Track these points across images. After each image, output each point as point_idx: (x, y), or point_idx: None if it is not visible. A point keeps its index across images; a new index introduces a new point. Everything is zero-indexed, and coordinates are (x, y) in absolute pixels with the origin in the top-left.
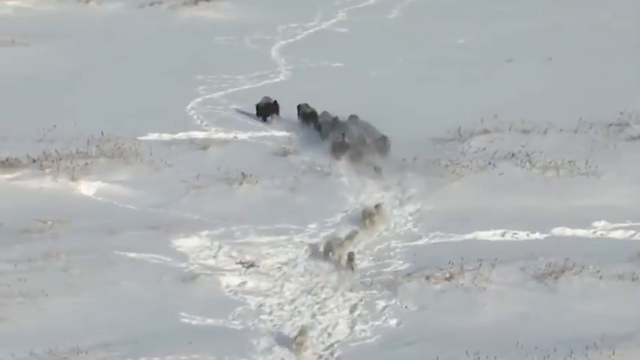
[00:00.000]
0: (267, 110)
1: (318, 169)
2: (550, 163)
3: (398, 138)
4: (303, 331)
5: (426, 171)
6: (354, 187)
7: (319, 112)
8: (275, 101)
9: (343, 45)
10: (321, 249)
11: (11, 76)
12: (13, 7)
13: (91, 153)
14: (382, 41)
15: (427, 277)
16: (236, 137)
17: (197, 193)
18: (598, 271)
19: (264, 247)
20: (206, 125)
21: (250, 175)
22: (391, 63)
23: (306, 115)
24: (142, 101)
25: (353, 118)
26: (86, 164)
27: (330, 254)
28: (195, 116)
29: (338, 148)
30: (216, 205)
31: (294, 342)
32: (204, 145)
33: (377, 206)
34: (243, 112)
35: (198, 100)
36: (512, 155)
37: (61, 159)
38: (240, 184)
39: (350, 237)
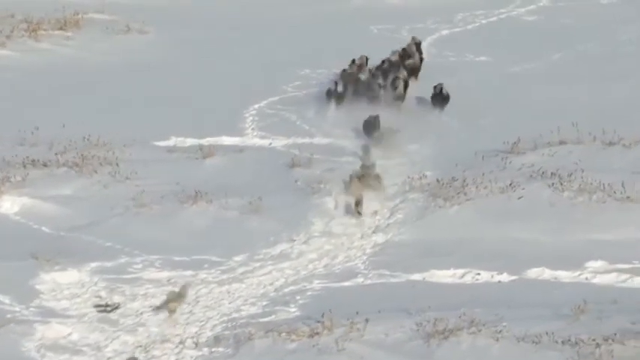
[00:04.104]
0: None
1: (314, 186)
2: (591, 184)
3: (459, 149)
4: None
5: (434, 192)
6: (336, 210)
7: None
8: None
9: (512, 35)
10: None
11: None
12: None
13: (53, 161)
14: (562, 31)
15: (289, 332)
16: (271, 144)
17: (136, 213)
18: (500, 332)
19: (150, 285)
20: (252, 129)
21: (206, 194)
22: (545, 58)
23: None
24: (207, 99)
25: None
26: (27, 175)
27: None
28: (250, 118)
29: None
30: (150, 228)
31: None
32: (209, 153)
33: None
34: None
35: (275, 98)
36: (553, 174)
37: None
38: (193, 203)
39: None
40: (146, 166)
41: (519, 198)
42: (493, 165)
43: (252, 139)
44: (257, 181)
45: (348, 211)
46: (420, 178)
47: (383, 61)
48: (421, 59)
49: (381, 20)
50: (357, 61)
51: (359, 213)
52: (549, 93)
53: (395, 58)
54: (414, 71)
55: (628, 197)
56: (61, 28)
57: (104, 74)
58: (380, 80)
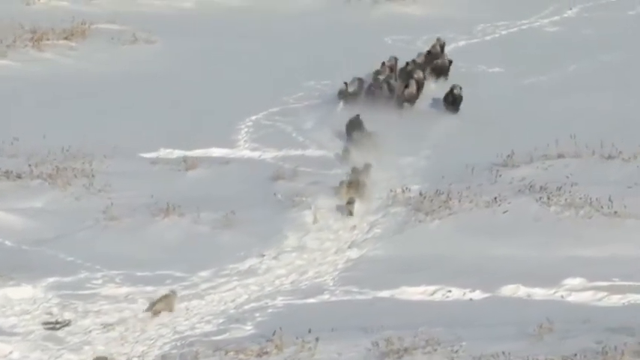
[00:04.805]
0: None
1: (294, 199)
2: (579, 199)
3: (454, 160)
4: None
5: (417, 206)
6: (315, 224)
7: None
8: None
9: (530, 46)
10: None
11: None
12: (195, 1)
13: (27, 173)
14: (583, 42)
15: (237, 352)
16: (261, 156)
17: (105, 227)
18: (456, 351)
19: (105, 302)
20: (245, 140)
21: (179, 207)
22: (561, 69)
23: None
24: (205, 110)
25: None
26: None
27: None
28: (245, 129)
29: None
30: (118, 242)
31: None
32: (192, 165)
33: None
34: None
35: (274, 109)
36: (542, 188)
37: None
38: (165, 217)
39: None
40: (123, 179)
41: (504, 212)
42: (484, 178)
43: (243, 150)
44: (236, 194)
45: (329, 220)
46: (404, 191)
47: (407, 63)
48: (450, 61)
49: (400, 31)
50: (387, 63)
51: (351, 213)
52: (559, 105)
53: (420, 59)
54: (442, 71)
55: (615, 212)
56: (65, 38)
57: (104, 84)
58: (393, 81)
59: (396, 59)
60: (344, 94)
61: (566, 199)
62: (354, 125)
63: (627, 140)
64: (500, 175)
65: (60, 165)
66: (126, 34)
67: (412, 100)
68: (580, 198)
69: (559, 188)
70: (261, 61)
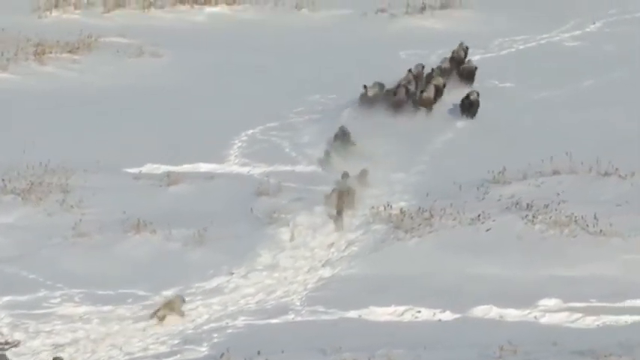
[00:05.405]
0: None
1: (273, 215)
2: (566, 217)
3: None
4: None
5: (397, 223)
6: (291, 241)
7: None
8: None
9: (546, 61)
10: None
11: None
12: (208, 14)
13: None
14: (601, 57)
15: None
16: (249, 172)
17: (74, 243)
18: None
19: (59, 322)
20: (236, 155)
21: (151, 223)
22: (575, 84)
23: None
24: (202, 124)
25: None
26: None
27: None
28: (238, 144)
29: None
30: (85, 259)
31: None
32: (174, 180)
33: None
34: None
35: (273, 124)
36: (529, 206)
37: None
38: (136, 233)
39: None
40: (101, 194)
41: (487, 230)
42: (472, 195)
43: (232, 166)
44: (215, 210)
45: (307, 237)
46: (385, 208)
47: (433, 69)
48: (475, 66)
49: (417, 45)
50: (413, 70)
51: (339, 224)
52: (566, 120)
53: (446, 65)
54: (470, 75)
55: (601, 231)
56: (69, 52)
57: (105, 98)
58: (411, 86)
59: (422, 66)
60: (364, 98)
61: (551, 217)
62: (340, 135)
63: (629, 157)
64: (487, 192)
65: (36, 180)
66: (132, 47)
67: (429, 104)
68: (566, 216)
69: (546, 206)
70: (270, 74)
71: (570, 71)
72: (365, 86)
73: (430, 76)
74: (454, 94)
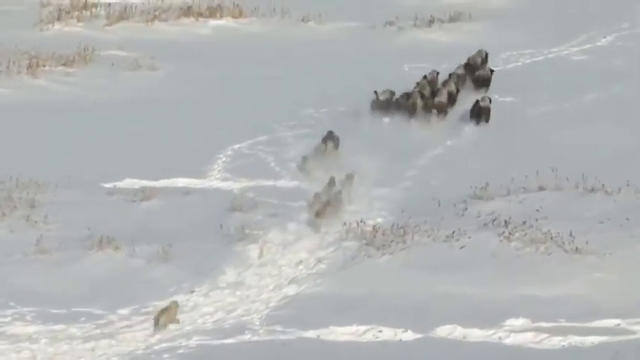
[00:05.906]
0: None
1: (245, 232)
2: (543, 234)
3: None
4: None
5: (371, 241)
6: (260, 258)
7: None
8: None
9: (551, 75)
10: None
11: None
12: (212, 27)
13: None
14: (608, 71)
15: None
16: (230, 187)
17: (34, 260)
18: None
19: (6, 342)
20: (219, 170)
21: (115, 240)
22: (577, 99)
23: None
24: (189, 139)
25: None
26: None
27: None
28: (223, 158)
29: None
30: (43, 276)
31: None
32: (148, 196)
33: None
34: None
35: (262, 138)
36: (506, 222)
37: None
38: (98, 250)
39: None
40: (68, 210)
41: (461, 247)
42: (450, 211)
43: (213, 181)
44: (185, 226)
45: (276, 255)
46: (358, 224)
47: (450, 75)
48: (491, 71)
49: (423, 59)
50: (428, 77)
51: (317, 226)
52: (561, 135)
53: (461, 71)
54: (485, 82)
55: (577, 249)
56: (64, 64)
57: (96, 112)
58: (426, 91)
59: (437, 73)
60: (375, 103)
61: (526, 234)
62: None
63: (618, 173)
64: (466, 209)
65: (5, 195)
66: (128, 60)
67: (441, 110)
68: (543, 233)
69: (524, 223)
70: (272, 88)
71: (573, 86)
72: (376, 92)
73: (441, 82)
74: (467, 101)
